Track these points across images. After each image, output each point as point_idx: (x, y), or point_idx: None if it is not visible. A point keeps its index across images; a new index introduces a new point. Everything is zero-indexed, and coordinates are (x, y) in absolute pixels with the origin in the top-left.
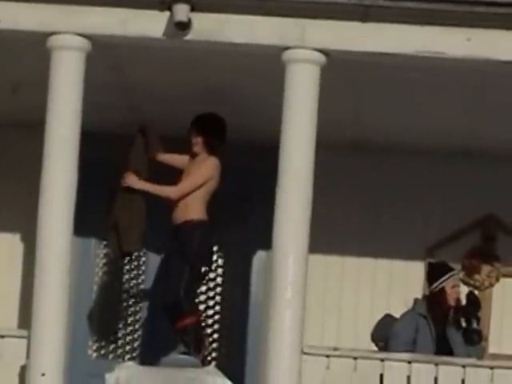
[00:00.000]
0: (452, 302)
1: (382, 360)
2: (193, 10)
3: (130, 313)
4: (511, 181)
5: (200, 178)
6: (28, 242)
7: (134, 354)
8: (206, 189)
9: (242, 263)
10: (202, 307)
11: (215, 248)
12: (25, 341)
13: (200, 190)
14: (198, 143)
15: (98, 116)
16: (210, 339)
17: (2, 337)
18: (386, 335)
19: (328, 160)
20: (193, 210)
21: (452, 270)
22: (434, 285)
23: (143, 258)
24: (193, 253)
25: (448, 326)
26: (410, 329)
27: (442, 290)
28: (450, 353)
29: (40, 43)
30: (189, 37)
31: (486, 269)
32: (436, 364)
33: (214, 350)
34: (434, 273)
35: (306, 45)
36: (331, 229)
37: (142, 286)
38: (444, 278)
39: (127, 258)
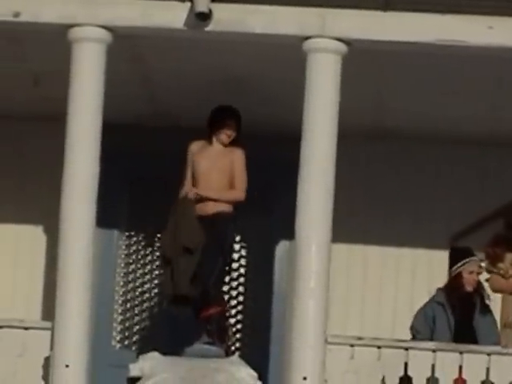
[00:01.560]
0: (469, 288)
1: (406, 349)
2: (213, 0)
3: (153, 303)
4: None
5: (244, 171)
6: (51, 234)
7: (158, 345)
8: (229, 179)
9: (265, 253)
10: (225, 297)
11: (238, 238)
12: (48, 332)
13: (228, 180)
14: (231, 135)
15: (119, 107)
16: (234, 329)
17: (26, 329)
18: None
19: (350, 149)
20: (222, 202)
21: (471, 255)
22: (452, 269)
23: None
24: (228, 244)
25: (475, 315)
26: (426, 322)
27: (459, 275)
28: (474, 340)
29: (61, 35)
30: (209, 27)
31: (509, 257)
32: (461, 352)
33: (237, 340)
34: (455, 258)
35: (326, 34)
36: (354, 218)
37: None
38: (460, 264)
39: (150, 249)
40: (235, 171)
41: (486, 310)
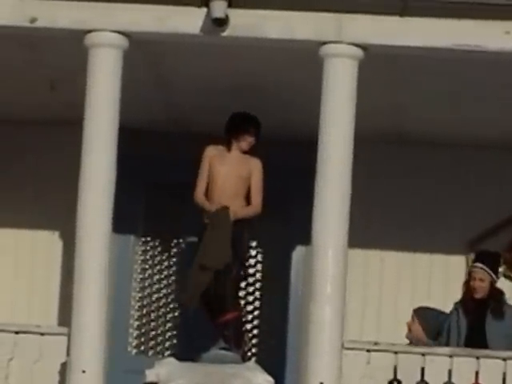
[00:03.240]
0: (476, 295)
1: (423, 354)
2: (230, 5)
3: (169, 309)
4: None
5: (261, 183)
6: (67, 240)
7: (174, 350)
8: (246, 189)
9: (282, 258)
10: (242, 303)
11: (255, 244)
12: (65, 338)
13: (245, 186)
14: (252, 143)
15: (135, 112)
16: (250, 335)
17: (43, 334)
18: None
19: (367, 154)
20: (238, 206)
21: (496, 259)
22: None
23: (183, 254)
24: (244, 250)
25: (487, 319)
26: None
27: (468, 281)
28: (485, 346)
29: (78, 41)
30: (226, 33)
31: None
32: (477, 357)
33: (254, 345)
34: (476, 261)
35: (343, 39)
36: (371, 223)
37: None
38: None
39: (167, 254)
40: (253, 183)
41: (500, 316)
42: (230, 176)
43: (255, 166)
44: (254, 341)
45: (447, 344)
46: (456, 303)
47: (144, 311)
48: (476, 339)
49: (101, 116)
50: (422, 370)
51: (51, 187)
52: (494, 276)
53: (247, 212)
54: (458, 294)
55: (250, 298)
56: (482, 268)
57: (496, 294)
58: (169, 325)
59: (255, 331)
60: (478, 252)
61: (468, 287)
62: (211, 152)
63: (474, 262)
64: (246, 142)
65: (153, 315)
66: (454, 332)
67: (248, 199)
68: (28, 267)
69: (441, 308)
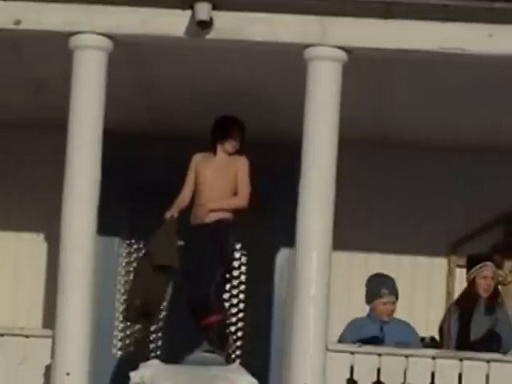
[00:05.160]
0: (484, 293)
1: (406, 356)
2: (214, 8)
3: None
4: None
5: (248, 179)
6: (52, 242)
7: (159, 353)
8: (234, 188)
9: (266, 261)
10: (226, 305)
11: (239, 246)
12: (49, 340)
13: (230, 189)
14: (236, 146)
15: (119, 115)
16: (234, 337)
17: (27, 336)
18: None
19: (351, 156)
20: (222, 210)
21: (484, 261)
22: (467, 276)
23: None
24: (229, 252)
25: (474, 315)
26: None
27: (474, 280)
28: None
29: (62, 43)
30: (210, 35)
31: (508, 264)
32: (460, 359)
33: (238, 347)
34: (469, 264)
35: (327, 42)
36: (354, 226)
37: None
38: (474, 269)
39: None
40: (239, 177)
41: (492, 312)
42: (216, 178)
43: (241, 163)
44: (238, 343)
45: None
46: (450, 305)
47: None
48: (466, 341)
49: (85, 118)
50: (405, 372)
51: (36, 189)
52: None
53: (231, 203)
54: (440, 296)
55: (235, 301)
56: (492, 266)
57: (495, 292)
58: (153, 327)
59: (239, 333)
60: (470, 255)
61: (473, 287)
62: (197, 159)
63: (470, 265)
64: (231, 144)
65: None
66: (445, 334)
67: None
68: (13, 269)
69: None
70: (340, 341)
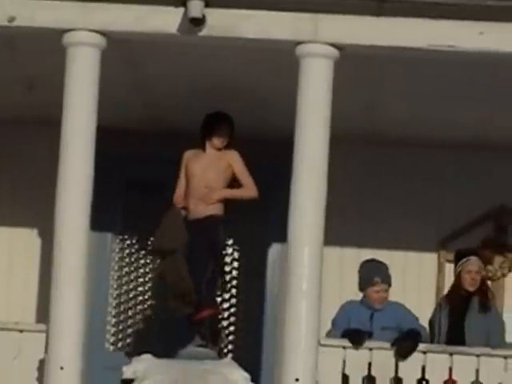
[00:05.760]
0: (470, 288)
1: None
2: (207, 5)
3: (146, 306)
4: None
5: (246, 169)
6: (45, 237)
7: (151, 347)
8: (224, 183)
9: (258, 256)
10: (218, 300)
11: (231, 241)
12: (43, 335)
13: (221, 184)
14: (225, 141)
15: (113, 111)
16: (227, 331)
17: (21, 331)
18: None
19: (342, 153)
20: (214, 204)
21: (472, 255)
22: (454, 270)
23: None
24: (220, 247)
25: (469, 313)
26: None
27: (459, 275)
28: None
29: (56, 40)
30: (203, 32)
31: (498, 259)
32: (450, 354)
33: (230, 342)
34: (457, 259)
35: (319, 39)
36: (346, 221)
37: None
38: (459, 263)
39: (143, 252)
40: (237, 172)
41: (487, 309)
42: (206, 172)
43: (232, 156)
44: (230, 337)
45: (431, 341)
46: (440, 299)
47: (121, 308)
48: (455, 336)
49: (79, 114)
50: (396, 366)
51: (30, 185)
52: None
53: (241, 193)
54: (430, 290)
55: (227, 296)
56: (477, 260)
57: (484, 288)
58: (146, 322)
59: (231, 328)
60: (458, 250)
61: (459, 282)
62: (187, 155)
63: (457, 260)
64: (219, 140)
65: (130, 312)
66: (435, 329)
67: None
68: (7, 264)
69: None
70: (332, 324)
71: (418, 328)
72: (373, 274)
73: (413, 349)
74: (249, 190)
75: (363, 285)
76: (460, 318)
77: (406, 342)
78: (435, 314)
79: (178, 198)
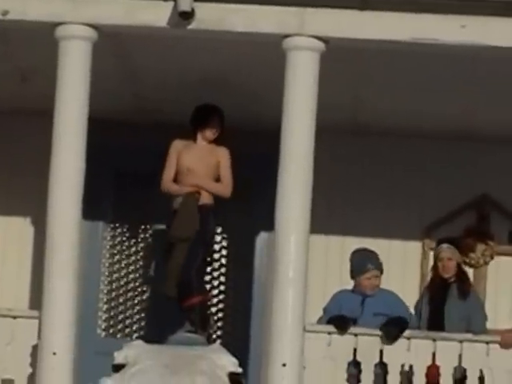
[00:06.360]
0: (443, 274)
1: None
2: None
3: (137, 293)
4: (505, 162)
5: (230, 170)
6: (38, 226)
7: (142, 333)
8: (214, 174)
9: (246, 244)
10: (207, 287)
11: (220, 230)
12: (36, 321)
13: (211, 175)
14: (216, 133)
15: (104, 103)
16: (215, 318)
17: (15, 317)
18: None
19: (328, 144)
20: (204, 194)
21: (454, 244)
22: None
23: (150, 240)
24: (210, 235)
25: (448, 300)
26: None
27: (435, 263)
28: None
29: (48, 33)
30: (192, 26)
31: (480, 247)
32: (434, 340)
33: (219, 328)
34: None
35: (305, 33)
36: (332, 210)
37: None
38: (434, 253)
39: (134, 240)
40: (221, 169)
41: (465, 295)
42: (197, 165)
43: (223, 154)
44: (219, 324)
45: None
46: (424, 288)
47: (113, 295)
48: (436, 322)
49: (70, 107)
50: (381, 351)
51: (23, 175)
52: (458, 254)
53: (217, 187)
54: (415, 278)
55: (215, 283)
56: (448, 247)
57: (462, 274)
58: (137, 308)
59: (220, 314)
60: (439, 239)
61: (436, 270)
62: (177, 145)
63: (437, 244)
64: (211, 132)
65: (121, 299)
66: (417, 317)
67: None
68: (0, 252)
69: (399, 290)
70: (324, 311)
71: (406, 315)
72: (365, 262)
73: (398, 335)
74: (225, 187)
75: (356, 272)
76: (440, 305)
77: (392, 327)
78: (418, 302)
79: (166, 183)
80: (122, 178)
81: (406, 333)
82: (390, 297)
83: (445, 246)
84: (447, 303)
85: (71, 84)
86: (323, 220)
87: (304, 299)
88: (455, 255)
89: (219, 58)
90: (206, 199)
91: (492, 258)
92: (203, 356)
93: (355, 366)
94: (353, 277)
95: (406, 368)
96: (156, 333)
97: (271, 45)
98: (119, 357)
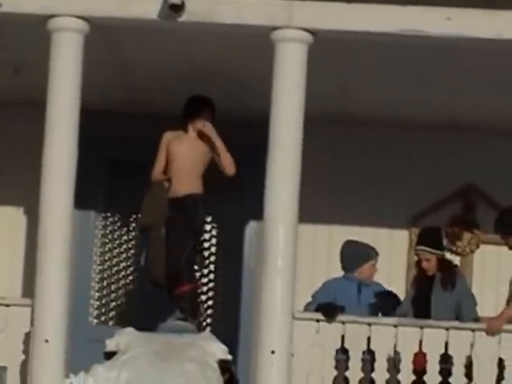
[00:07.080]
0: (428, 272)
1: (369, 324)
2: None
3: (128, 281)
4: (490, 152)
5: (223, 144)
6: (31, 215)
7: (133, 321)
8: (204, 164)
9: (236, 233)
10: (197, 275)
11: (209, 219)
12: (29, 309)
13: (201, 165)
14: (208, 122)
15: (96, 94)
16: (205, 306)
17: (8, 305)
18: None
19: (316, 134)
20: (194, 183)
21: (433, 233)
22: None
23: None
24: (199, 224)
25: (434, 290)
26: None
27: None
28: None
29: (41, 25)
30: (182, 18)
31: (466, 236)
32: (421, 327)
33: (208, 316)
34: (419, 237)
35: (293, 25)
36: (320, 199)
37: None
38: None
39: (125, 229)
40: (217, 146)
41: (451, 286)
42: (188, 154)
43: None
44: (208, 311)
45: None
46: (410, 284)
47: (104, 283)
48: (422, 314)
49: (63, 97)
50: (369, 339)
51: (15, 165)
52: (438, 252)
53: (230, 159)
54: (401, 267)
55: (205, 271)
56: (423, 250)
57: (446, 266)
58: (128, 296)
59: (210, 302)
60: (420, 231)
61: (419, 266)
62: (168, 136)
63: (416, 243)
64: (201, 123)
65: (113, 287)
66: (403, 305)
67: (206, 175)
68: None
69: (385, 279)
70: (312, 297)
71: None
72: (366, 250)
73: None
74: (232, 165)
75: (358, 262)
76: (426, 296)
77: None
78: (405, 299)
79: (156, 175)
80: (114, 168)
81: (394, 320)
82: (381, 286)
83: (420, 247)
84: (433, 296)
85: (63, 76)
86: (311, 209)
87: (293, 288)
88: (431, 254)
89: (209, 50)
90: (195, 188)
91: (478, 246)
92: (193, 343)
93: (343, 353)
94: (353, 267)
95: (393, 355)
96: (147, 320)
97: (260, 37)
98: (111, 344)
